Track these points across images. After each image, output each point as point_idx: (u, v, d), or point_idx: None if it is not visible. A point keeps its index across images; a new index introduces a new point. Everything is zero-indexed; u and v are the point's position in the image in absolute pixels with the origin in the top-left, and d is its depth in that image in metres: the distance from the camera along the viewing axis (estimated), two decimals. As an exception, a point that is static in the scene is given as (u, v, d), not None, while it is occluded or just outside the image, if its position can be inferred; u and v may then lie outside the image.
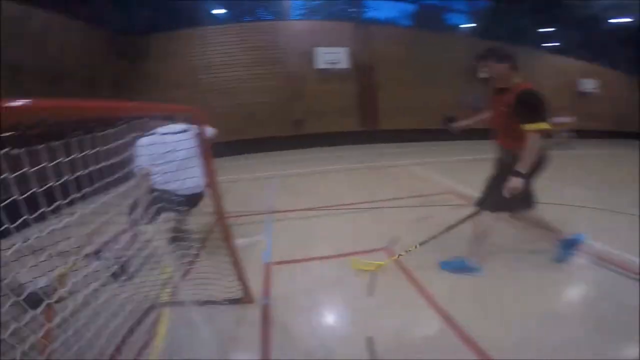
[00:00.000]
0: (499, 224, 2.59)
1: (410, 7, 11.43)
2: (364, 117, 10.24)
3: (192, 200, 2.64)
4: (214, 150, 1.87)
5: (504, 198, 2.29)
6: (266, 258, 2.87)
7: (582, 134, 12.98)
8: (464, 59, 11.52)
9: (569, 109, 13.15)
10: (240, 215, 3.93)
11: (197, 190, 2.60)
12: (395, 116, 10.53)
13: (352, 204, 4.35)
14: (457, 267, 2.57)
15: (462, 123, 2.80)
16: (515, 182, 2.20)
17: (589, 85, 14.36)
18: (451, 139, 9.77)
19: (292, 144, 9.17)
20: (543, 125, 2.10)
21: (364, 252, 2.83)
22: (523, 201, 2.43)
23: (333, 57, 9.08)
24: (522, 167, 2.18)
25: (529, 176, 2.28)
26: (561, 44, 14.42)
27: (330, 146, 9.60)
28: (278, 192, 5.33)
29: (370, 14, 10.83)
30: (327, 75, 9.41)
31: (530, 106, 2.15)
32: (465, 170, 6.21)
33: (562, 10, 13.99)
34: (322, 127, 9.78)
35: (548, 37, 14.35)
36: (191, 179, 2.36)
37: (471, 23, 12.67)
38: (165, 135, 2.53)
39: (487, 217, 2.50)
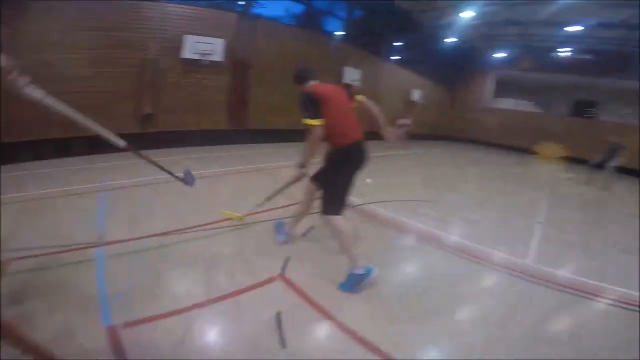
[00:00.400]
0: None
1: (296, 8, 11.69)
2: (233, 114, 9.84)
3: None
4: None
5: (325, 199, 2.66)
6: (106, 320, 2.08)
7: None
8: (336, 63, 12.69)
9: (404, 115, 16.80)
10: (51, 253, 2.77)
11: None
12: (268, 115, 10.58)
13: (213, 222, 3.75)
14: (353, 281, 2.63)
15: None
16: (296, 173, 2.82)
17: (417, 95, 18.43)
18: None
19: (139, 142, 7.97)
20: (312, 122, 2.57)
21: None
22: (331, 201, 2.64)
23: (206, 47, 8.64)
24: (300, 159, 2.76)
25: (328, 170, 2.82)
26: (403, 58, 17.70)
27: (198, 145, 8.78)
28: (115, 212, 3.92)
29: (258, 10, 10.56)
30: (196, 67, 8.61)
31: (303, 104, 2.63)
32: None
33: (409, 28, 17.06)
34: (180, 124, 8.80)
35: (396, 50, 17.37)
36: None
37: (343, 31, 13.89)
38: None
39: (334, 221, 2.63)
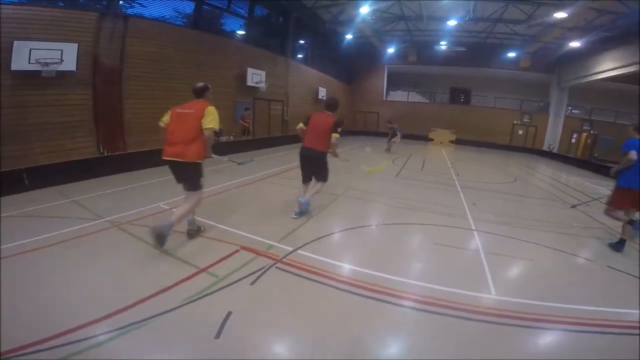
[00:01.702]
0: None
1: (187, 7, 8.86)
2: (102, 136, 6.84)
3: None
4: None
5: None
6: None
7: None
8: (237, 65, 10.92)
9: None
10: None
11: None
12: (150, 133, 7.56)
13: None
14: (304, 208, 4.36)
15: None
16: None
17: (323, 92, 17.57)
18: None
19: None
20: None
21: None
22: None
23: (50, 54, 5.47)
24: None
25: None
26: (306, 56, 16.52)
27: (64, 182, 5.33)
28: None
29: (136, 9, 7.50)
30: (37, 79, 5.50)
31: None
32: (240, 202, 5.40)
33: (312, 27, 15.94)
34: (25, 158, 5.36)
35: (301, 49, 16.01)
36: None
37: (245, 31, 11.87)
38: None
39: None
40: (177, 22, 8.99)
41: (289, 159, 9.00)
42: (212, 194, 5.17)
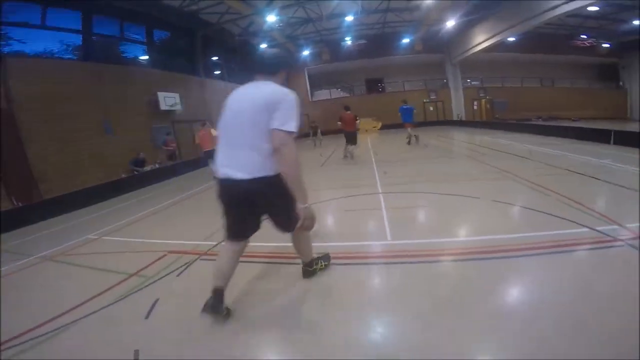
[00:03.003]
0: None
1: (73, 38, 8.44)
2: (12, 187, 6.49)
3: None
4: None
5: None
6: None
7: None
8: (146, 91, 10.71)
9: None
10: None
11: None
12: (67, 176, 7.55)
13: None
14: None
15: None
16: None
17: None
18: (138, 186, 8.16)
19: None
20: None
21: None
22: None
23: None
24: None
25: None
26: (223, 72, 16.67)
27: None
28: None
29: (15, 46, 7.12)
30: None
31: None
32: (170, 219, 5.24)
33: (222, 43, 16.11)
34: None
35: (214, 65, 16.10)
36: None
37: (147, 55, 11.68)
38: None
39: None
40: (67, 56, 8.63)
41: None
42: (143, 217, 5.26)
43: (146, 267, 3.17)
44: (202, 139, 8.15)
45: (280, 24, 15.63)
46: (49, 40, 7.94)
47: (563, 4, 11.22)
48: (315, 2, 14.30)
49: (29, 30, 7.41)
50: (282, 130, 1.84)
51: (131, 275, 3.01)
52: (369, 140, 15.85)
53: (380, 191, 5.23)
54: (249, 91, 2.03)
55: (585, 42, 20.20)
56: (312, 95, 23.30)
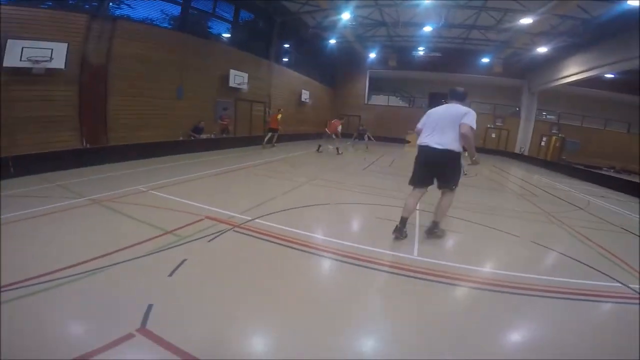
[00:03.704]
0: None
1: (173, 9, 9.45)
2: (86, 130, 7.31)
3: None
4: None
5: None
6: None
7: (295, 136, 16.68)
8: (220, 67, 11.37)
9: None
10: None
11: None
12: (133, 129, 8.36)
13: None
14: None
15: None
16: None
17: (306, 95, 18.23)
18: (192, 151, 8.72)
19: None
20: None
21: None
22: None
23: (41, 53, 5.98)
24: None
25: None
26: (290, 60, 17.18)
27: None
28: None
29: (125, 10, 8.16)
30: (27, 76, 5.99)
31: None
32: (213, 187, 5.75)
33: (296, 32, 16.65)
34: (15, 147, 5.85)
35: (285, 53, 16.67)
36: None
37: (229, 33, 12.41)
38: None
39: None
40: (164, 25, 9.54)
41: (269, 153, 9.57)
42: (190, 180, 5.73)
43: (182, 227, 3.46)
44: (272, 120, 11.77)
45: (353, 23, 15.66)
46: (152, 9, 8.88)
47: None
48: (394, 8, 14.11)
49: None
50: (467, 123, 3.26)
51: (166, 232, 3.29)
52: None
53: (417, 208, 5.13)
54: (451, 107, 3.48)
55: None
56: (368, 98, 23.13)
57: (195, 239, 3.20)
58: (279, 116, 11.84)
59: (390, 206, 5.08)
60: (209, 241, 3.20)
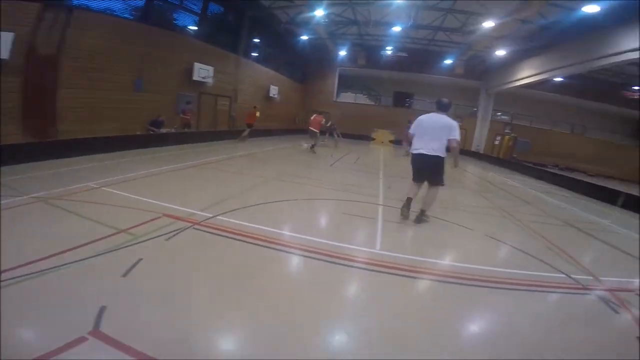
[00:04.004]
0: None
1: (138, 1, 9.04)
2: (31, 123, 6.74)
3: None
4: None
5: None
6: None
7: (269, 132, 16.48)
8: (184, 60, 10.94)
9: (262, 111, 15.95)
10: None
11: None
12: (85, 122, 7.86)
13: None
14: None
15: None
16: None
17: (274, 91, 17.98)
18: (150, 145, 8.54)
19: None
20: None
21: None
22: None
23: None
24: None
25: None
26: (260, 55, 16.84)
27: None
28: None
29: (82, 1, 7.63)
30: None
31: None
32: (173, 183, 5.42)
33: (268, 27, 16.31)
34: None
35: (254, 48, 16.29)
36: None
37: (196, 26, 11.89)
38: None
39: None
40: (125, 15, 8.95)
41: (232, 149, 9.36)
42: (146, 176, 5.43)
43: (137, 225, 3.27)
44: (249, 115, 12.03)
45: (326, 20, 15.65)
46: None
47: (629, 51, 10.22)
48: (366, 7, 14.25)
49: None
50: (456, 138, 4.13)
51: (120, 231, 3.10)
52: (382, 151, 15.85)
53: (380, 203, 5.26)
54: (438, 117, 4.22)
55: (635, 94, 18.74)
56: (337, 95, 23.30)
57: (152, 238, 3.04)
58: (258, 113, 12.05)
59: (356, 202, 5.17)
60: (167, 240, 3.05)
